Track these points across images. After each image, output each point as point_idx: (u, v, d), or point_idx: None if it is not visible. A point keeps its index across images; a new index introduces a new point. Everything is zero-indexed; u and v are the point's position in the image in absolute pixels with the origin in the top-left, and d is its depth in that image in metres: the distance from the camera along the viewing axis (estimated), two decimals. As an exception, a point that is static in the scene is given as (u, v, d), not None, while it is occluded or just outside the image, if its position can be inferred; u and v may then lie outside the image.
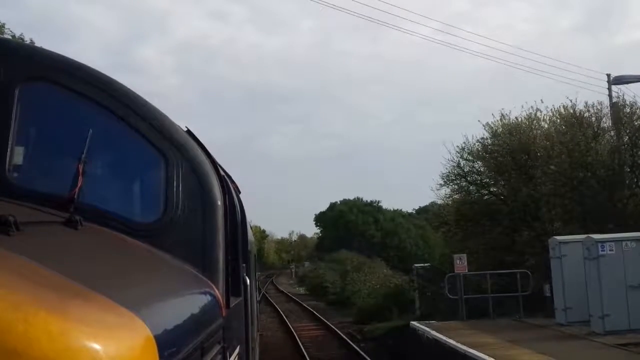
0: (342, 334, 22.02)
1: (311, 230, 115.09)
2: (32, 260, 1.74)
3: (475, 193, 24.23)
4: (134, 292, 2.08)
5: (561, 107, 22.00)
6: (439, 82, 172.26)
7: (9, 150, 2.91)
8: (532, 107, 22.80)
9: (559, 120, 22.19)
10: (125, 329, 1.66)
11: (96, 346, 1.48)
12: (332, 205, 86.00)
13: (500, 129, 22.73)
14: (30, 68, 3.07)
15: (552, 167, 20.54)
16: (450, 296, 18.58)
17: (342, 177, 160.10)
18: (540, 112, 22.57)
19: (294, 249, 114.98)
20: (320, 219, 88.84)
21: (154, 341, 1.76)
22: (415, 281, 23.33)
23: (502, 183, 22.73)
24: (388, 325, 21.61)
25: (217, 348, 2.91)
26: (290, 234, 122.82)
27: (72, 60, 3.22)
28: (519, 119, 22.65)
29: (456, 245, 22.95)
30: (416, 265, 25.20)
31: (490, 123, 23.03)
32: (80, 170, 2.90)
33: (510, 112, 22.98)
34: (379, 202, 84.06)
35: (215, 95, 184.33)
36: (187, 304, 2.59)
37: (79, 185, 2.88)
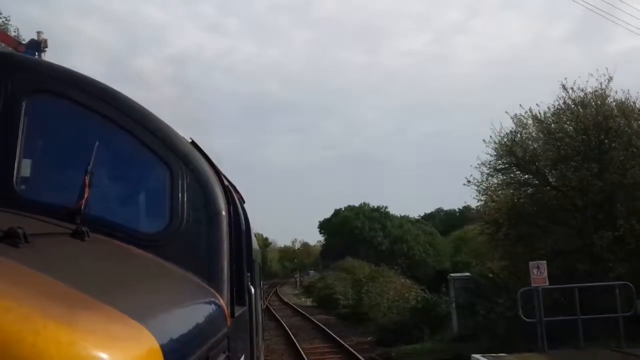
0: (363, 360, 17.32)
1: (314, 238, 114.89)
2: (41, 272, 1.77)
3: (532, 186, 18.80)
4: (140, 302, 2.11)
5: None
6: (435, 91, 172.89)
7: (16, 162, 2.95)
8: (604, 74, 17.25)
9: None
10: (132, 339, 1.69)
11: (104, 356, 1.51)
12: (337, 212, 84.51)
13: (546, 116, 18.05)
14: (36, 81, 3.10)
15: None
16: (526, 319, 13.16)
17: (345, 185, 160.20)
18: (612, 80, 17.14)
19: (297, 257, 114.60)
20: (324, 226, 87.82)
21: (160, 351, 1.79)
22: (452, 295, 19.49)
23: (569, 173, 17.23)
24: (422, 348, 17.50)
25: (222, 357, 2.93)
26: (293, 242, 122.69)
27: (77, 72, 3.26)
28: (587, 91, 17.47)
29: (506, 249, 18.46)
30: (452, 275, 21.14)
31: (534, 112, 18.17)
32: (87, 182, 2.94)
33: (575, 82, 17.56)
34: (386, 207, 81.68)
35: (213, 105, 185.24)
36: (192, 314, 2.61)
37: (86, 196, 2.92)
